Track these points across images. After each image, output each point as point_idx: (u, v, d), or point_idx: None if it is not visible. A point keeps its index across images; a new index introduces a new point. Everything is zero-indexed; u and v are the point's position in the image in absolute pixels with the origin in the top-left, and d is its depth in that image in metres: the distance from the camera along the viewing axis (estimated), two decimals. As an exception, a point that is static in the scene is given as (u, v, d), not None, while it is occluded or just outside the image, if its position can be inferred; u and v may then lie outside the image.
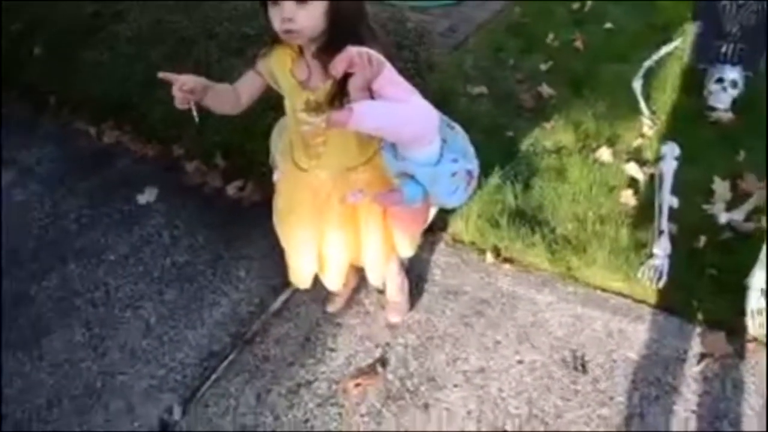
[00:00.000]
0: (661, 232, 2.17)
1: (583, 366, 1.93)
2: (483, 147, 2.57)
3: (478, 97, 2.97)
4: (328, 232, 1.71)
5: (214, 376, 1.97)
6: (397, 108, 1.17)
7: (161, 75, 1.43)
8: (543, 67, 3.18)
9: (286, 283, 2.09)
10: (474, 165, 1.46)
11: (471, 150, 1.46)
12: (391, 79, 1.15)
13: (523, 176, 2.50)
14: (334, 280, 1.87)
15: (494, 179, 2.44)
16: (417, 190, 1.33)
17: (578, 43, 3.34)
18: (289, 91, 1.52)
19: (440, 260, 2.27)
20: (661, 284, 2.09)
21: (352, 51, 1.11)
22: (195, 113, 1.47)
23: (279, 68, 1.52)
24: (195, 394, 1.93)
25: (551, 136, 2.74)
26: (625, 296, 2.12)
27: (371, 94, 1.16)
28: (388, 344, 2.02)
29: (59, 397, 1.96)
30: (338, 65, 1.11)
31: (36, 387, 1.99)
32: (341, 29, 1.37)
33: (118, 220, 2.53)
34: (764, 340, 1.94)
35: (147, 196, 2.60)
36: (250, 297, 2.20)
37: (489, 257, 2.25)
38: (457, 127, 1.45)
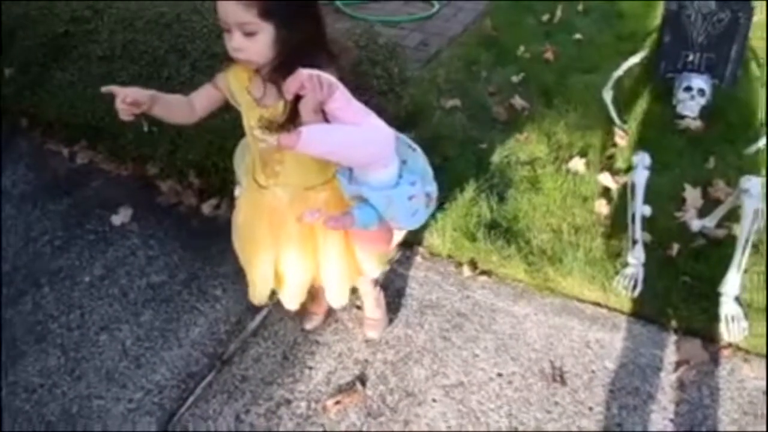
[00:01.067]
0: (635, 242, 2.20)
1: (562, 377, 1.94)
2: (457, 159, 2.64)
3: (451, 110, 2.99)
4: (285, 251, 1.70)
5: (192, 398, 1.95)
6: (349, 131, 1.17)
7: (104, 89, 1.45)
8: (515, 79, 3.22)
9: (263, 302, 2.08)
10: (433, 187, 1.48)
11: (430, 172, 1.48)
12: (343, 102, 1.15)
13: (498, 188, 2.52)
14: (292, 300, 1.86)
15: (469, 192, 2.46)
16: (370, 214, 1.32)
17: (548, 55, 3.39)
18: (245, 108, 1.54)
19: (417, 274, 2.28)
20: (636, 293, 2.11)
21: (303, 74, 1.12)
22: (144, 124, 1.52)
23: (236, 84, 1.54)
24: (173, 416, 1.91)
25: (525, 147, 2.76)
26: (601, 306, 2.15)
27: (325, 117, 1.17)
28: (366, 361, 2.01)
29: (34, 424, 1.93)
30: (289, 87, 1.13)
31: (11, 413, 1.95)
32: (293, 55, 1.37)
33: (92, 242, 2.51)
34: (738, 346, 1.97)
35: (122, 217, 2.58)
36: (227, 316, 2.18)
37: (466, 270, 2.27)
38: (418, 149, 1.46)
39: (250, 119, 1.53)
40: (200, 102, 1.61)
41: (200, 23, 2.85)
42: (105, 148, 2.90)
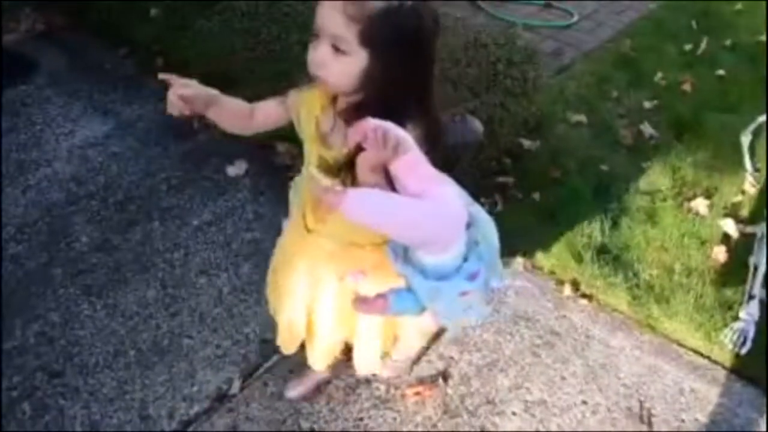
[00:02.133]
0: (751, 297, 2.09)
1: (650, 420, 1.87)
2: (575, 175, 2.58)
3: (576, 125, 2.91)
4: (320, 306, 1.53)
5: (275, 357, 1.98)
6: (405, 205, 0.96)
7: (161, 76, 1.31)
8: (647, 104, 3.10)
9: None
10: (497, 274, 1.14)
11: (496, 255, 1.13)
12: (412, 167, 0.96)
13: (613, 213, 2.44)
14: (319, 360, 1.70)
15: (582, 211, 2.39)
16: (409, 302, 1.07)
17: (686, 86, 3.24)
18: (308, 140, 1.33)
19: (516, 284, 2.24)
20: (744, 350, 2.00)
21: (369, 123, 0.94)
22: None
23: (306, 110, 1.32)
24: (256, 370, 1.95)
25: (646, 177, 2.66)
26: (702, 355, 2.04)
27: (389, 178, 0.97)
28: (452, 358, 2.00)
29: (126, 348, 2.01)
30: (351, 135, 0.95)
31: (106, 334, 2.05)
32: (378, 97, 1.16)
33: (206, 188, 2.59)
34: None
35: (236, 169, 2.65)
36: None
37: (567, 290, 2.21)
38: (491, 223, 1.12)
39: (311, 154, 1.33)
40: (262, 115, 1.43)
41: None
42: (231, 101, 2.98)
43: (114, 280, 2.21)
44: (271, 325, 1.80)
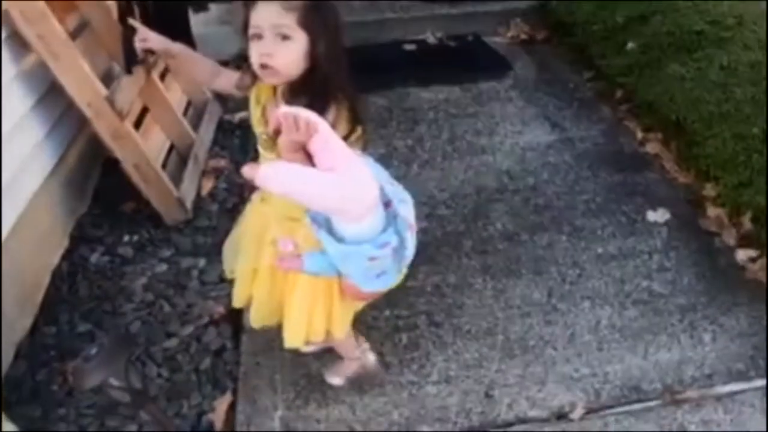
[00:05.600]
0: None
1: None
2: None
3: None
4: (261, 266, 1.68)
5: (632, 406, 1.93)
6: (317, 176, 1.10)
7: (131, 21, 1.84)
8: None
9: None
10: (410, 250, 1.38)
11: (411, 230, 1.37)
12: (323, 145, 1.10)
13: None
14: (253, 318, 1.79)
15: None
16: (322, 263, 1.29)
17: None
18: (254, 122, 1.56)
19: None
20: None
21: (281, 111, 1.10)
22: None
23: (255, 96, 1.55)
24: (602, 409, 1.92)
25: None
26: None
27: (309, 158, 1.12)
28: None
29: (497, 330, 2.16)
30: (270, 121, 1.10)
31: (486, 311, 2.23)
32: (314, 76, 1.39)
33: (621, 223, 2.61)
34: None
35: (657, 216, 2.60)
36: (702, 359, 2.04)
37: None
38: (410, 202, 1.41)
39: (259, 135, 1.56)
40: (224, 79, 1.68)
41: None
42: (677, 149, 2.92)
43: (510, 269, 2.40)
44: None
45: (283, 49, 1.38)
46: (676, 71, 3.05)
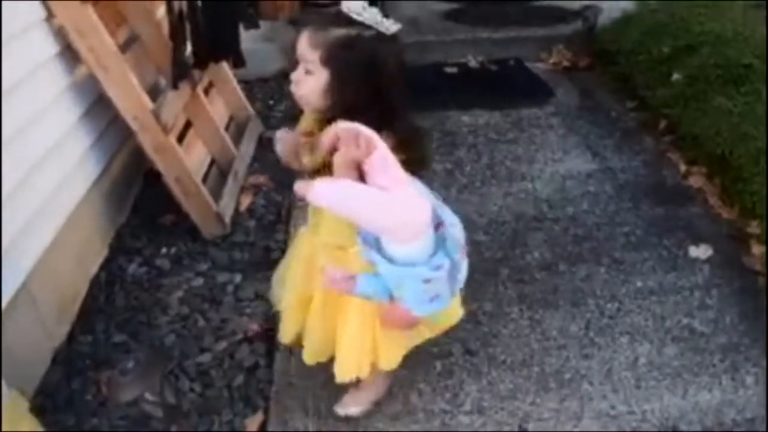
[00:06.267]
0: None
1: None
2: None
3: None
4: (314, 301, 1.69)
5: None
6: (371, 194, 1.05)
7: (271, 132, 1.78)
8: None
9: None
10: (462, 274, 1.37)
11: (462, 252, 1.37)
12: (380, 165, 1.05)
13: None
14: (308, 354, 1.81)
15: None
16: (375, 286, 1.26)
17: None
18: (303, 150, 1.57)
19: None
20: None
21: (339, 126, 1.06)
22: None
23: (302, 127, 1.59)
24: (641, 450, 1.88)
25: None
26: None
27: (363, 177, 1.07)
28: None
29: (532, 363, 2.12)
30: (324, 138, 1.07)
31: (522, 341, 2.20)
32: (343, 107, 1.38)
33: (662, 257, 2.56)
34: None
35: (699, 252, 2.55)
36: (736, 407, 1.99)
37: None
38: (458, 225, 1.40)
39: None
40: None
41: None
42: (721, 183, 2.87)
43: (547, 300, 2.36)
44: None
45: (306, 81, 1.45)
46: (723, 104, 3.01)
